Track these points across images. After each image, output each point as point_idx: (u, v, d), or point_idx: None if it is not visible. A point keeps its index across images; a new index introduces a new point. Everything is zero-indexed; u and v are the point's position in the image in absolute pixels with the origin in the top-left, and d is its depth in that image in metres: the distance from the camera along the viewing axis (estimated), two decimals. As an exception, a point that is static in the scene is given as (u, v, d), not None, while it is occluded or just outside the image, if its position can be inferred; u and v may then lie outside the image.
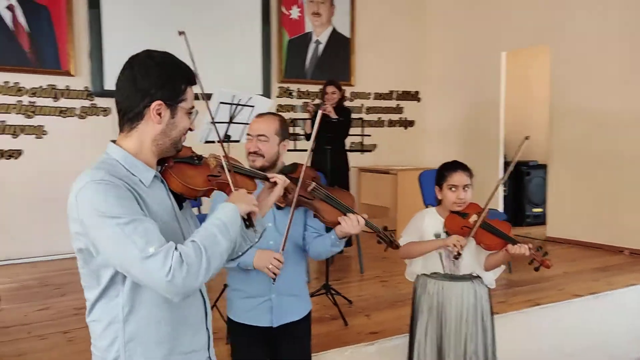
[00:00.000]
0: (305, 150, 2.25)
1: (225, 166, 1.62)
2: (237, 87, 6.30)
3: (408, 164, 7.50)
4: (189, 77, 1.50)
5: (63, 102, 5.62)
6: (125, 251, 1.28)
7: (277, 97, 6.91)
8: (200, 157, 1.64)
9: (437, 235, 2.74)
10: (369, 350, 3.21)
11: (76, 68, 5.70)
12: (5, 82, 5.36)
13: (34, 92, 5.50)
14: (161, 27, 6.02)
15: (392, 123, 7.81)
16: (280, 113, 6.65)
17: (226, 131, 3.52)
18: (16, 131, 5.40)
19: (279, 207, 2.28)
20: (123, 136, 1.47)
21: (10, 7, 5.37)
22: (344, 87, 7.34)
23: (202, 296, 1.56)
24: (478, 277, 2.73)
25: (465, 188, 2.68)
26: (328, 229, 2.35)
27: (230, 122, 3.50)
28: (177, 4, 6.18)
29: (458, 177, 2.68)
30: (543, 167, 7.16)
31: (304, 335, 2.46)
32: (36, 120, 5.52)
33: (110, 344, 1.41)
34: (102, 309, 1.41)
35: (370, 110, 7.62)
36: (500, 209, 6.72)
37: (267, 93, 6.77)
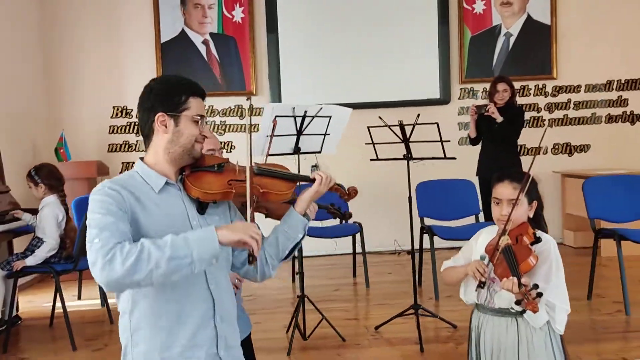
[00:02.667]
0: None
1: (247, 171, 1.70)
2: (413, 92, 6.33)
3: (635, 166, 6.25)
4: (191, 89, 1.69)
5: (248, 120, 6.33)
6: (87, 240, 1.48)
7: (459, 99, 6.53)
8: (221, 165, 1.76)
9: (483, 258, 2.35)
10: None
11: (257, 88, 6.37)
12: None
13: (224, 112, 6.35)
14: (333, 43, 6.35)
15: (612, 119, 6.61)
16: (462, 116, 6.38)
17: (296, 143, 3.58)
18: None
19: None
20: (147, 152, 1.72)
21: (205, 42, 6.33)
22: (544, 82, 6.59)
23: (212, 295, 1.64)
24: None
25: (513, 203, 2.19)
26: None
27: (300, 134, 3.54)
28: (348, 20, 6.38)
29: (501, 189, 2.24)
30: None
31: (250, 354, 2.39)
32: (227, 137, 6.36)
33: (123, 331, 1.62)
34: (120, 300, 1.63)
35: (580, 105, 6.59)
36: None
37: (446, 96, 6.48)
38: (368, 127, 3.95)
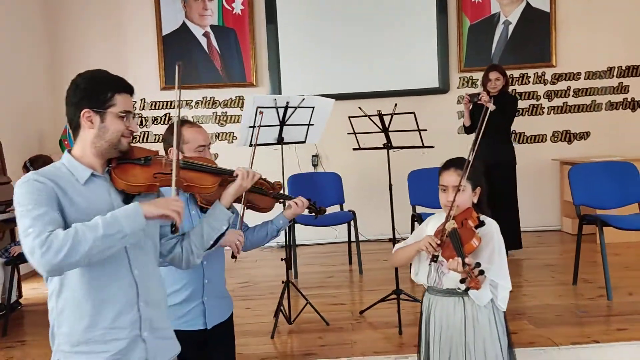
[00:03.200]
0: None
1: (173, 163, 1.79)
2: (412, 81, 6.38)
3: (636, 153, 6.25)
4: (117, 85, 1.77)
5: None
6: (20, 230, 1.58)
7: (458, 88, 6.56)
8: (148, 158, 1.84)
9: None
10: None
11: (258, 79, 6.49)
12: (203, 97, 6.46)
13: (225, 104, 6.48)
14: (332, 33, 6.42)
15: (612, 105, 6.59)
16: (461, 105, 6.40)
17: (280, 133, 3.68)
18: (212, 138, 6.43)
19: (204, 211, 2.32)
20: (74, 145, 1.79)
21: (205, 34, 6.45)
22: (543, 69, 6.59)
23: (135, 281, 1.73)
24: None
25: (457, 189, 2.31)
26: None
27: (283, 124, 3.65)
28: (346, 10, 6.45)
29: (447, 177, 2.40)
30: None
31: (231, 333, 2.56)
32: (227, 128, 6.49)
33: (50, 312, 1.72)
34: (49, 283, 1.71)
35: (580, 92, 6.58)
36: None
37: (445, 85, 6.53)
38: (349, 117, 4.03)
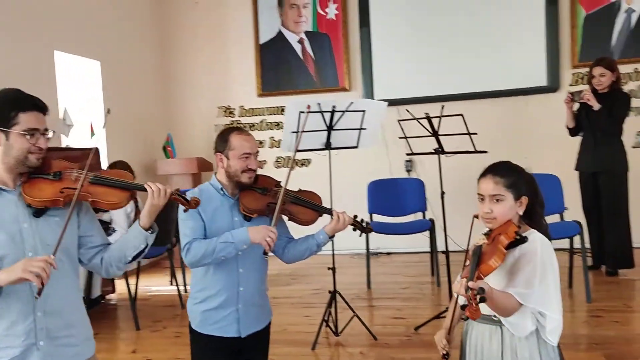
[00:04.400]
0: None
1: (82, 179, 1.86)
2: (516, 80, 5.90)
3: None
4: (22, 105, 1.80)
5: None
6: None
7: (570, 85, 5.91)
8: (58, 173, 1.89)
9: None
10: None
11: (351, 83, 6.40)
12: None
13: (319, 109, 6.48)
14: (426, 34, 6.14)
15: None
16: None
17: (327, 138, 3.57)
18: (306, 143, 6.47)
19: (247, 218, 2.35)
20: None
21: (300, 41, 6.51)
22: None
23: (30, 285, 1.74)
24: None
25: (496, 200, 1.98)
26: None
27: (330, 129, 3.53)
28: (442, 8, 6.13)
29: (483, 185, 2.03)
30: None
31: (266, 343, 2.50)
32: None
33: None
34: None
35: None
36: None
37: (554, 82, 5.93)
38: (398, 121, 3.79)
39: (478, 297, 1.78)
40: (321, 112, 3.44)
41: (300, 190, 2.56)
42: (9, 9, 4.56)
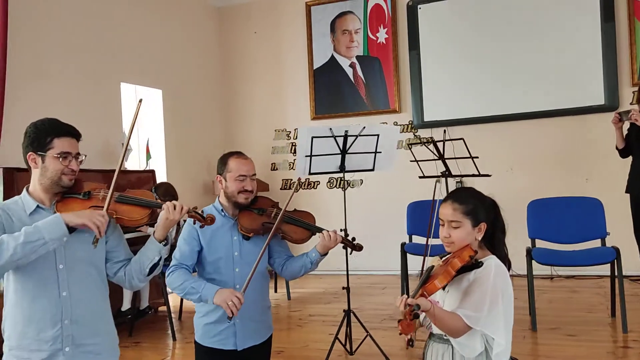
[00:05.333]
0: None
1: (108, 197, 2.09)
2: (571, 99, 5.75)
3: None
4: (55, 131, 2.05)
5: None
6: None
7: (631, 104, 5.63)
8: (87, 193, 2.12)
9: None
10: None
11: (401, 106, 6.47)
12: (350, 125, 6.66)
13: (370, 131, 6.60)
14: (476, 55, 6.11)
15: None
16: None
17: (342, 161, 3.69)
18: (358, 164, 6.61)
19: (245, 238, 2.54)
20: (31, 182, 2.11)
21: (352, 65, 6.69)
22: None
23: (61, 300, 2.00)
24: None
25: (454, 226, 2.05)
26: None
27: (344, 152, 3.65)
28: (493, 27, 6.08)
29: (443, 209, 2.11)
30: None
31: (267, 357, 2.65)
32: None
33: (3, 319, 2.06)
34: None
35: None
36: None
37: (613, 101, 5.70)
38: (409, 144, 3.82)
39: (412, 313, 1.86)
40: (334, 136, 3.58)
41: (295, 210, 2.69)
42: (81, 47, 5.12)
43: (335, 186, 6.76)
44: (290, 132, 7.00)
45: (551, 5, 5.89)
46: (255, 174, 2.60)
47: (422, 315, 2.11)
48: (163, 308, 5.23)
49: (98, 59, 5.29)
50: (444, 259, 2.10)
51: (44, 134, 2.04)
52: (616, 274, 3.91)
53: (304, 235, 2.60)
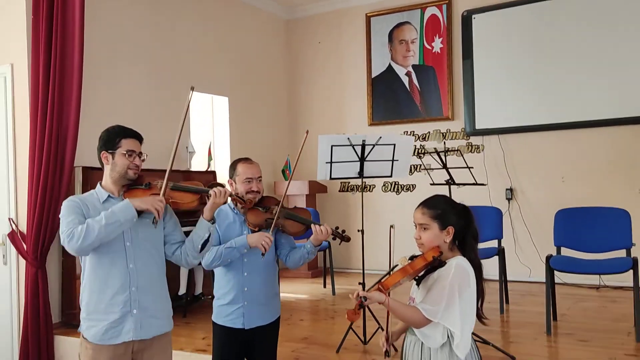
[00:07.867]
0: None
1: (163, 185, 2.57)
2: (627, 107, 5.69)
3: None
4: (123, 133, 2.54)
5: (446, 143, 6.66)
6: (60, 228, 2.40)
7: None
8: (148, 184, 2.58)
9: None
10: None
11: (454, 113, 6.66)
12: (404, 131, 6.94)
13: (423, 137, 6.85)
14: (529, 64, 6.19)
15: None
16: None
17: (360, 168, 4.03)
18: (411, 169, 6.85)
19: (252, 232, 2.95)
20: (103, 177, 2.58)
21: (407, 73, 6.96)
22: None
23: (128, 271, 2.46)
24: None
25: (423, 228, 2.34)
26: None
27: (363, 160, 3.99)
28: (546, 33, 6.12)
29: (415, 213, 2.41)
30: None
31: (272, 338, 3.04)
32: (425, 160, 6.81)
33: (81, 292, 2.53)
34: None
35: None
36: None
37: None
38: (418, 155, 4.06)
39: (359, 304, 2.19)
40: (352, 145, 3.94)
41: (295, 208, 3.12)
42: (156, 58, 5.81)
43: (390, 190, 7.06)
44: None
45: (607, 14, 5.84)
46: (260, 177, 2.99)
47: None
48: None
49: (172, 67, 5.96)
50: (403, 257, 2.39)
51: (114, 135, 2.52)
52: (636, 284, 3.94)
53: (299, 228, 2.98)
